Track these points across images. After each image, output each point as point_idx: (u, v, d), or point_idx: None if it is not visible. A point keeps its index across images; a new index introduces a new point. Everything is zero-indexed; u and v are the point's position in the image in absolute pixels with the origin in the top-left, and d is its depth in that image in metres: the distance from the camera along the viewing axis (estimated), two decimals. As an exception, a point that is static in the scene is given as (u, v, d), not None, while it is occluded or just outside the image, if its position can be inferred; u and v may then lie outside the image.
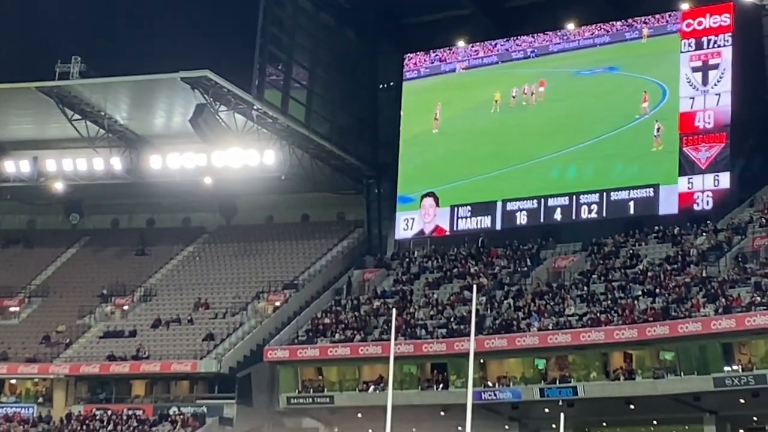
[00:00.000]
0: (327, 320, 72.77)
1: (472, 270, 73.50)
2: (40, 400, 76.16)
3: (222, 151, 77.37)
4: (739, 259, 63.93)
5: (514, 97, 78.17)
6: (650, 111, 72.37)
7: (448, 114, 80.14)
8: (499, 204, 75.67)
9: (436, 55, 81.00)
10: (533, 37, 77.85)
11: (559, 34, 77.06)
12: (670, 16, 72.71)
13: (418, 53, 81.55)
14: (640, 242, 70.69)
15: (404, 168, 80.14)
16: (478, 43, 79.84)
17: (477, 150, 78.31)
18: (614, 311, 63.36)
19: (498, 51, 79.19)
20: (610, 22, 75.15)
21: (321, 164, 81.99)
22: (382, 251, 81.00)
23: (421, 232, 78.71)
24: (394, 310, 59.52)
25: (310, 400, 69.96)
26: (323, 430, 72.02)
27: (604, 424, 66.37)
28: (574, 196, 73.30)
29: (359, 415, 68.66)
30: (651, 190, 71.02)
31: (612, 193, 72.22)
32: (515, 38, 78.50)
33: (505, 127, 78.11)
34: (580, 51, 76.40)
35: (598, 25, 75.54)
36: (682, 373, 60.10)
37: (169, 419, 71.75)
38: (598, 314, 63.64)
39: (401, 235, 79.46)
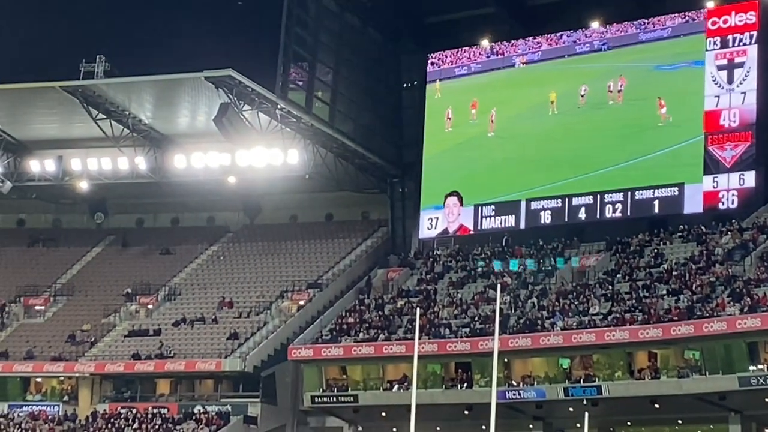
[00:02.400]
0: (351, 319, 72.80)
1: (496, 269, 73.37)
2: (66, 398, 76.44)
3: (246, 151, 77.53)
4: (764, 258, 63.67)
5: (582, 95, 74.84)
6: (670, 118, 71.40)
7: (504, 114, 76.99)
8: (523, 203, 75.45)
9: (494, 49, 77.94)
10: (606, 27, 74.29)
11: (635, 23, 73.43)
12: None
13: (473, 47, 78.43)
14: (664, 241, 70.50)
15: (432, 175, 78.70)
16: (540, 36, 76.43)
17: (537, 157, 75.08)
18: (639, 310, 63.21)
19: (564, 43, 75.84)
20: (696, 10, 71.78)
21: (345, 163, 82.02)
22: (406, 250, 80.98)
23: (445, 231, 78.62)
24: (418, 310, 59.75)
25: (335, 399, 69.98)
26: (347, 429, 72.07)
27: (629, 423, 66.22)
28: (599, 195, 73.00)
29: (383, 414, 68.69)
30: (676, 189, 70.71)
31: (636, 192, 71.90)
32: (584, 29, 74.88)
33: (570, 131, 74.56)
34: (660, 43, 72.50)
35: (683, 13, 71.69)
36: (707, 373, 59.92)
37: (194, 418, 71.90)
38: (622, 313, 63.50)
39: (425, 234, 79.38)
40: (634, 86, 73.40)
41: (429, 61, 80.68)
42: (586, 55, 75.40)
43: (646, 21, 73.17)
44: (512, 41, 77.68)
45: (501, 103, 77.65)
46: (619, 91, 73.68)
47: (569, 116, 75.30)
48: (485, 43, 79.16)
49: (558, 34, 75.81)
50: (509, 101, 77.52)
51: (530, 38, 76.92)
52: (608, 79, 74.20)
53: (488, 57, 78.43)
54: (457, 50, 79.53)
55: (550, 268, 71.44)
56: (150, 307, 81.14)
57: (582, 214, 73.68)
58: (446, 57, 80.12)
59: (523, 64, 77.42)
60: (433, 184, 78.81)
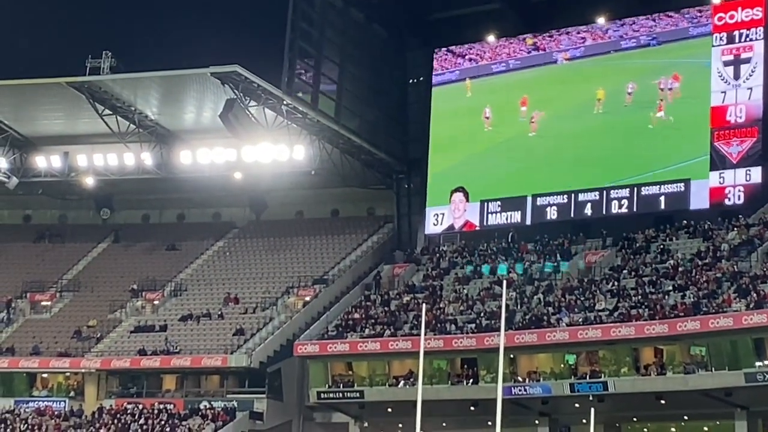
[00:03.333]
0: (357, 315, 72.84)
1: (502, 265, 73.40)
2: (72, 394, 76.49)
3: (252, 147, 77.57)
4: (771, 254, 63.72)
5: (629, 93, 72.31)
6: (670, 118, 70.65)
7: (547, 113, 74.68)
8: (529, 199, 75.32)
9: (536, 43, 75.42)
10: (654, 20, 71.81)
11: (686, 17, 70.97)
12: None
13: (513, 39, 75.94)
14: (670, 237, 70.48)
15: (465, 177, 77.24)
16: (584, 27, 73.92)
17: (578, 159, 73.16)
18: (645, 306, 63.19)
19: (610, 38, 73.42)
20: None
21: (351, 159, 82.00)
22: (412, 246, 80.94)
23: (451, 227, 78.56)
24: (423, 305, 59.52)
25: (340, 394, 70.04)
26: (353, 424, 72.04)
27: (635, 419, 66.19)
28: (605, 191, 72.90)
29: (389, 410, 68.69)
30: (682, 184, 70.62)
31: (642, 188, 71.76)
32: (632, 22, 72.50)
33: (614, 130, 72.56)
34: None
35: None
36: (713, 369, 59.86)
37: (200, 413, 71.91)
38: (628, 309, 63.47)
39: (431, 230, 79.37)
40: (690, 84, 71.25)
41: (464, 56, 78.85)
42: (634, 51, 73.35)
43: (698, 14, 71.20)
44: (554, 35, 75.79)
45: (544, 101, 75.56)
46: (670, 89, 71.56)
47: (615, 115, 73.26)
48: (491, 39, 79.01)
49: (603, 29, 73.55)
50: (552, 99, 75.34)
51: (573, 32, 74.84)
52: (659, 77, 72.33)
53: (528, 53, 76.38)
54: (496, 45, 77.67)
55: (555, 266, 71.55)
56: (156, 302, 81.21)
57: (588, 210, 73.59)
58: (484, 53, 78.17)
59: (566, 60, 75.38)
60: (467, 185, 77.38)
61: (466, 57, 79.19)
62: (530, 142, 76.30)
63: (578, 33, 74.52)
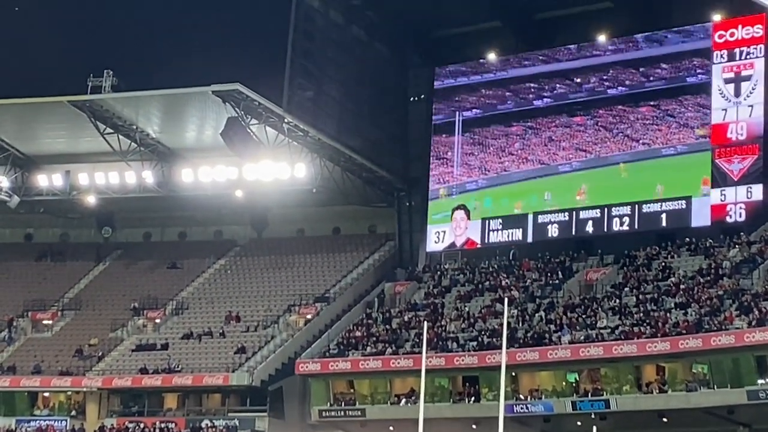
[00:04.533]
0: (358, 333, 72.81)
1: (503, 283, 73.38)
2: (73, 413, 76.35)
3: (253, 165, 77.64)
4: (772, 271, 63.67)
5: None
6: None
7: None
8: (531, 217, 75.46)
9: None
10: None
11: None
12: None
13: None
14: (672, 255, 70.45)
15: None
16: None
17: None
18: (646, 324, 63.14)
19: None
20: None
21: (352, 177, 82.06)
22: (414, 264, 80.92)
23: (453, 244, 78.62)
24: (425, 323, 59.62)
25: (342, 413, 69.97)
26: (355, 443, 72.00)
27: (637, 437, 66.18)
28: (606, 209, 73.00)
29: (391, 428, 68.62)
30: (683, 202, 70.73)
31: (644, 206, 71.89)
32: None
33: None
34: None
35: None
36: (715, 386, 59.86)
37: (201, 432, 71.98)
38: (630, 327, 63.42)
39: (432, 247, 79.40)
40: None
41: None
42: None
43: None
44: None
45: None
46: None
47: None
48: (492, 57, 79.21)
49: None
50: None
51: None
52: None
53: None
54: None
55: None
56: (157, 321, 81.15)
57: (589, 228, 73.68)
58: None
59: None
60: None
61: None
62: None
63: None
